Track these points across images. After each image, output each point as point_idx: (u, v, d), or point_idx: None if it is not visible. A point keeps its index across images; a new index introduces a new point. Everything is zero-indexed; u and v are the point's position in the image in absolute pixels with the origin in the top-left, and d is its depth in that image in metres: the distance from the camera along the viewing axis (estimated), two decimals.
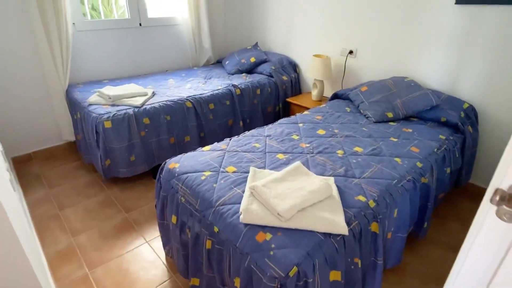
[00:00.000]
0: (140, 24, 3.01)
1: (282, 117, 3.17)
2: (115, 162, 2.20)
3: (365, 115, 2.18)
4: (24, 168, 2.58)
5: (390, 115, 2.10)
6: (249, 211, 1.13)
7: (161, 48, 3.25)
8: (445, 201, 2.24)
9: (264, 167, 1.51)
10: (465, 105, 2.09)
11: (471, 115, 2.09)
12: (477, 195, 2.31)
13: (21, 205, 1.98)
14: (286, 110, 3.18)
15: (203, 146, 2.66)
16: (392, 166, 1.55)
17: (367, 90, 2.30)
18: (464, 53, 2.12)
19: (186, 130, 2.48)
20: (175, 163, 1.54)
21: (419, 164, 1.60)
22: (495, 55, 1.99)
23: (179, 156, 1.62)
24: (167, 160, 1.60)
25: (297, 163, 1.37)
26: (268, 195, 1.16)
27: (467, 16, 2.03)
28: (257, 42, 3.40)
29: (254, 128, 2.95)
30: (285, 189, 1.20)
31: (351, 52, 2.72)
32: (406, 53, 2.40)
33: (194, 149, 2.52)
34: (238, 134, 2.84)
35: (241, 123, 2.82)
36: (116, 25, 2.86)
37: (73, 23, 2.60)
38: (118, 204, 2.17)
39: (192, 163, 1.53)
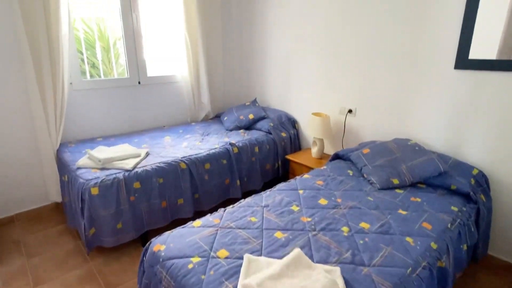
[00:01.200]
0: (139, 82, 3.02)
1: (281, 174, 3.06)
2: (100, 230, 2.02)
3: (368, 181, 2.06)
4: (4, 232, 2.39)
5: (396, 181, 1.97)
6: None
7: (159, 104, 3.24)
8: (462, 278, 2.02)
9: (260, 251, 1.35)
10: (475, 171, 1.97)
11: (482, 181, 1.96)
12: (496, 267, 2.09)
13: None
14: (286, 167, 3.06)
15: (197, 208, 2.51)
16: (404, 248, 1.39)
17: (369, 152, 2.20)
18: (467, 116, 2.05)
19: (179, 192, 2.34)
20: (161, 245, 1.38)
21: (433, 245, 1.44)
22: (500, 120, 1.92)
23: (166, 234, 1.46)
24: (153, 239, 1.44)
25: (297, 251, 1.21)
26: None
27: (467, 80, 2.00)
28: (255, 98, 3.40)
29: (251, 186, 2.84)
30: None
31: (350, 111, 2.68)
32: (407, 113, 2.34)
33: (187, 212, 2.41)
34: (234, 193, 2.71)
35: (238, 182, 2.69)
36: (114, 84, 2.86)
37: (71, 83, 2.59)
38: (100, 279, 1.95)
39: (180, 246, 1.36)
